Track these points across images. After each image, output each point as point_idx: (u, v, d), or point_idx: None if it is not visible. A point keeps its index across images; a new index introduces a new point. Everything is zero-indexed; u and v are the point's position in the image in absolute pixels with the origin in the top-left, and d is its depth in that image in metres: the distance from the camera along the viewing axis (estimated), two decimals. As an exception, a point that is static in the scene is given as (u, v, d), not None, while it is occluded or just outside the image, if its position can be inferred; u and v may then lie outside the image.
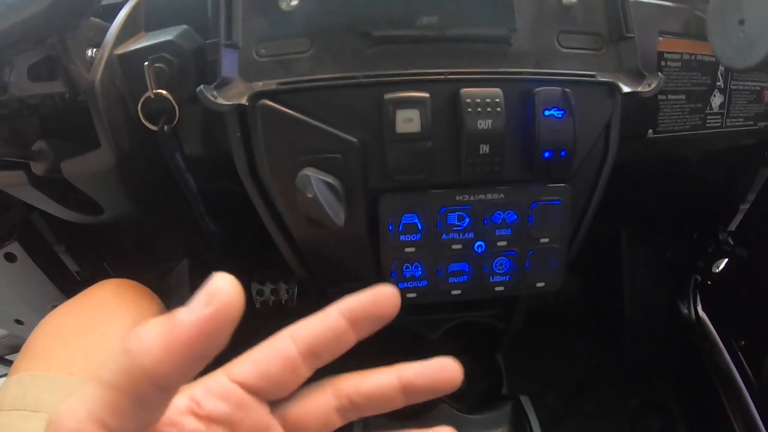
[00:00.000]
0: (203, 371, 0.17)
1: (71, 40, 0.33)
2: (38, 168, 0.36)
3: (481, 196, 0.35)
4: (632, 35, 0.35)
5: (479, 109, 0.32)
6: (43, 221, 0.56)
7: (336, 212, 0.31)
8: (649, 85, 0.34)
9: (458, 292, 0.37)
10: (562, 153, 0.34)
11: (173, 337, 0.13)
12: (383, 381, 0.19)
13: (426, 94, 0.31)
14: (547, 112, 0.33)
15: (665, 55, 0.40)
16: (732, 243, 0.62)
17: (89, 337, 0.37)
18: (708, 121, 0.43)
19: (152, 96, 0.33)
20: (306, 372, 0.18)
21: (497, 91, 0.32)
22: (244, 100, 0.30)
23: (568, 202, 0.36)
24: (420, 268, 0.36)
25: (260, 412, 0.18)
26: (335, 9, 0.32)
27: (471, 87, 0.32)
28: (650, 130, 0.41)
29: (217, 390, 0.17)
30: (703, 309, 0.66)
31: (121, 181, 0.37)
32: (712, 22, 0.31)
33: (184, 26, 0.35)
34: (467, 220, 0.35)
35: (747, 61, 0.28)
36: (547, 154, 0.33)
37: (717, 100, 0.44)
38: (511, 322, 0.50)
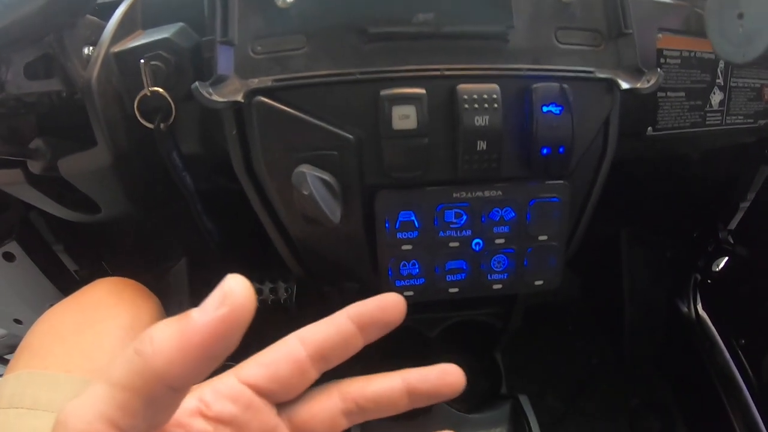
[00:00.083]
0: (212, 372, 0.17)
1: (68, 38, 0.33)
2: (35, 166, 0.36)
3: (479, 193, 0.35)
4: (631, 31, 0.35)
5: (476, 106, 0.32)
6: (42, 220, 0.56)
7: (332, 209, 0.31)
8: (648, 82, 0.34)
9: (456, 290, 0.37)
10: (560, 149, 0.33)
11: (186, 338, 0.13)
12: (388, 385, 0.20)
13: (422, 91, 0.31)
14: (545, 108, 0.32)
15: (664, 52, 0.40)
16: (732, 242, 0.62)
17: (86, 335, 0.36)
18: (708, 118, 0.43)
19: (149, 94, 0.33)
20: (314, 374, 0.19)
21: (494, 87, 0.32)
22: (239, 97, 0.30)
23: (567, 200, 0.36)
24: (417, 266, 0.36)
25: (268, 414, 0.18)
26: (331, 6, 0.32)
27: (468, 83, 0.32)
28: (649, 128, 0.41)
29: (226, 391, 0.18)
30: (703, 308, 0.65)
31: (118, 179, 0.37)
32: (710, 17, 0.31)
33: (181, 24, 0.35)
34: (464, 217, 0.35)
35: (746, 56, 0.28)
36: (545, 151, 0.33)
37: (717, 97, 0.43)
38: (510, 321, 0.50)
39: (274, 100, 0.31)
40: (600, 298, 0.76)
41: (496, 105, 0.32)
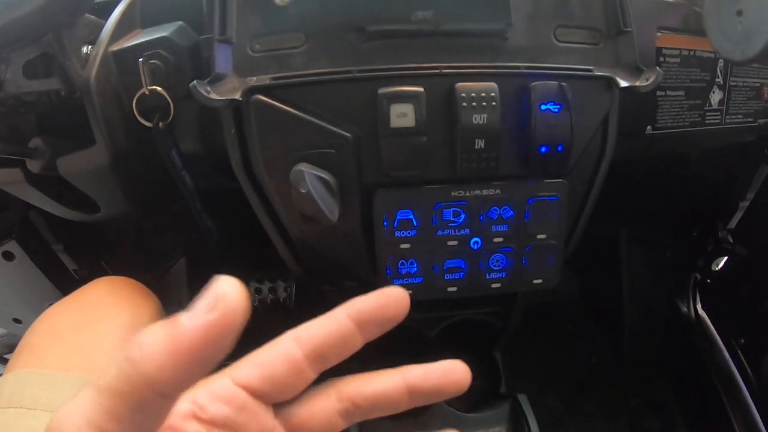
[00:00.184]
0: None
1: (67, 38, 0.33)
2: (34, 165, 0.36)
3: (477, 192, 0.35)
4: (630, 30, 0.35)
5: (474, 104, 0.32)
6: (41, 220, 0.56)
7: (330, 208, 0.31)
8: (647, 80, 0.34)
9: (454, 288, 0.37)
10: (559, 148, 0.33)
11: (176, 343, 0.13)
12: (388, 384, 0.19)
13: (420, 89, 0.31)
14: (543, 107, 0.32)
15: (664, 51, 0.40)
16: (731, 241, 0.62)
17: (85, 335, 0.36)
18: (707, 117, 0.43)
19: (147, 93, 0.33)
20: (311, 375, 0.18)
21: (493, 85, 0.32)
22: (237, 96, 0.30)
23: (565, 198, 0.36)
24: (415, 265, 0.36)
25: (264, 416, 0.18)
26: (329, 4, 0.32)
27: (466, 81, 0.32)
28: (649, 127, 0.41)
29: (221, 393, 0.17)
30: (703, 307, 0.65)
31: (117, 178, 0.37)
32: (709, 15, 0.31)
33: (180, 23, 0.35)
34: (463, 216, 0.35)
35: (745, 53, 0.28)
36: (543, 149, 0.33)
37: (716, 96, 0.43)
38: (510, 321, 0.50)
39: (272, 98, 0.31)
40: (600, 297, 0.76)
41: (494, 103, 0.32)
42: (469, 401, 0.52)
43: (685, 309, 0.67)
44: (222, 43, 0.31)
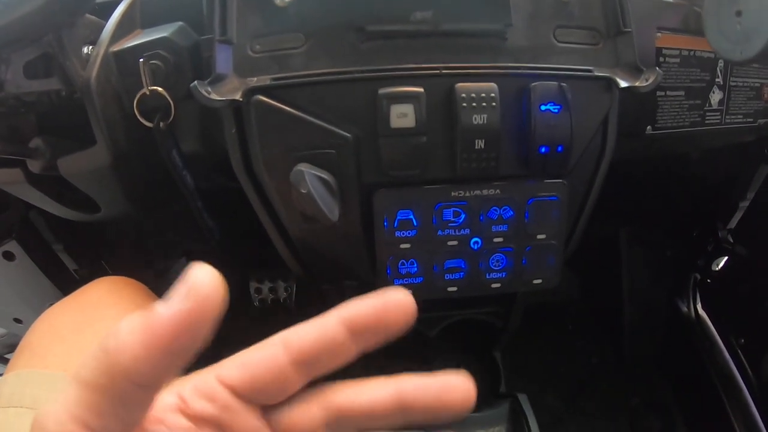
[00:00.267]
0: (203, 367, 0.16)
1: (67, 38, 0.33)
2: (35, 165, 0.37)
3: (477, 192, 0.35)
4: (630, 30, 0.35)
5: (474, 104, 0.32)
6: (42, 220, 0.56)
7: (330, 208, 0.31)
8: (647, 80, 0.34)
9: (454, 288, 0.37)
10: (559, 148, 0.33)
11: (151, 333, 0.13)
12: (379, 395, 0.17)
13: (420, 89, 0.31)
14: (543, 107, 0.32)
15: (663, 51, 0.40)
16: (732, 241, 0.62)
17: (85, 334, 0.37)
18: (707, 117, 0.43)
19: (148, 93, 0.33)
20: (298, 381, 0.17)
21: (492, 85, 0.32)
22: (237, 96, 0.30)
23: (565, 198, 0.36)
24: (415, 265, 0.36)
25: (248, 416, 0.17)
26: (329, 4, 0.32)
27: (466, 82, 0.32)
28: (649, 127, 0.41)
29: (204, 390, 0.17)
30: (703, 307, 0.65)
31: (117, 178, 0.37)
32: (708, 15, 0.31)
33: (180, 23, 0.35)
34: (463, 216, 0.35)
35: (744, 53, 0.28)
36: (543, 150, 0.33)
37: (716, 96, 0.43)
38: (510, 320, 0.50)
39: (272, 98, 0.31)
40: (600, 297, 0.76)
41: (494, 104, 0.32)
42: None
43: (685, 309, 0.67)
44: (222, 43, 0.31)
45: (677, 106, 0.41)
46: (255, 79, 0.31)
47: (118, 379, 0.13)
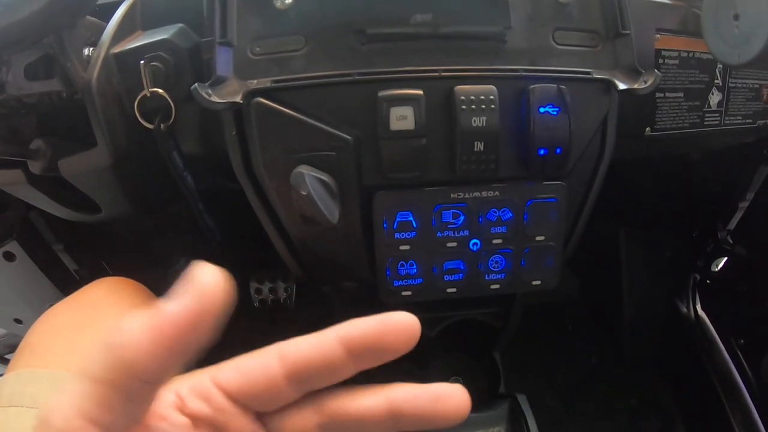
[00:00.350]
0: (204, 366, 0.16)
1: (68, 39, 0.33)
2: (36, 166, 0.37)
3: (476, 194, 0.35)
4: (628, 32, 0.35)
5: (473, 107, 0.32)
6: (42, 220, 0.56)
7: (330, 210, 0.31)
8: (646, 82, 0.34)
9: (453, 290, 0.37)
10: (558, 150, 0.34)
11: (157, 329, 0.13)
12: (370, 403, 0.17)
13: (420, 92, 0.32)
14: (542, 109, 0.33)
15: (663, 53, 0.40)
16: (731, 242, 0.62)
17: (86, 334, 0.37)
18: (706, 119, 0.43)
19: (148, 94, 0.33)
20: (291, 394, 0.17)
21: (492, 88, 0.32)
22: (238, 98, 0.30)
23: (564, 200, 0.36)
24: (415, 266, 0.36)
25: (243, 420, 0.17)
26: (330, 7, 0.32)
27: (465, 84, 0.32)
28: (648, 128, 0.41)
29: (200, 390, 0.17)
30: (703, 308, 0.65)
31: (118, 179, 0.37)
32: (706, 18, 0.31)
33: (180, 25, 0.35)
34: (462, 217, 0.35)
35: (742, 57, 0.28)
36: (542, 152, 0.33)
37: (715, 98, 0.44)
38: (509, 321, 0.50)
39: (272, 101, 0.31)
40: (599, 298, 0.76)
41: (493, 106, 0.32)
42: (468, 401, 0.52)
43: (684, 309, 0.67)
44: (223, 45, 0.31)
45: (676, 108, 0.42)
46: (255, 81, 0.31)
47: (125, 375, 0.13)
